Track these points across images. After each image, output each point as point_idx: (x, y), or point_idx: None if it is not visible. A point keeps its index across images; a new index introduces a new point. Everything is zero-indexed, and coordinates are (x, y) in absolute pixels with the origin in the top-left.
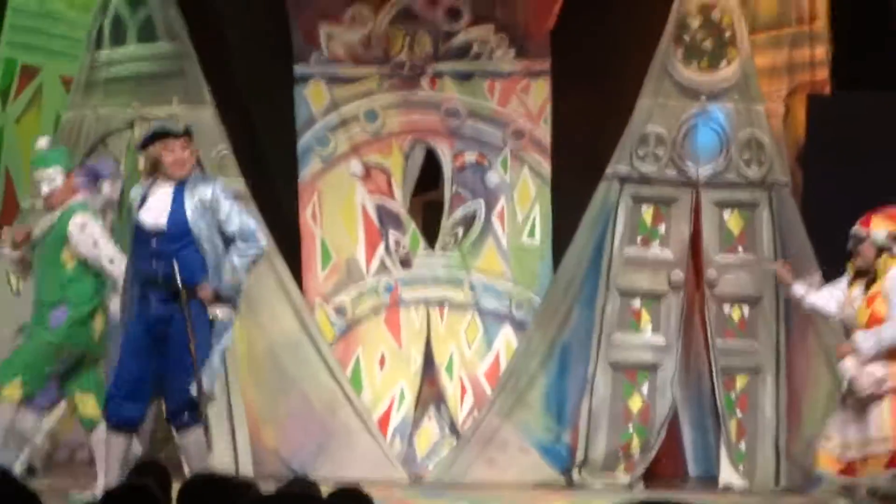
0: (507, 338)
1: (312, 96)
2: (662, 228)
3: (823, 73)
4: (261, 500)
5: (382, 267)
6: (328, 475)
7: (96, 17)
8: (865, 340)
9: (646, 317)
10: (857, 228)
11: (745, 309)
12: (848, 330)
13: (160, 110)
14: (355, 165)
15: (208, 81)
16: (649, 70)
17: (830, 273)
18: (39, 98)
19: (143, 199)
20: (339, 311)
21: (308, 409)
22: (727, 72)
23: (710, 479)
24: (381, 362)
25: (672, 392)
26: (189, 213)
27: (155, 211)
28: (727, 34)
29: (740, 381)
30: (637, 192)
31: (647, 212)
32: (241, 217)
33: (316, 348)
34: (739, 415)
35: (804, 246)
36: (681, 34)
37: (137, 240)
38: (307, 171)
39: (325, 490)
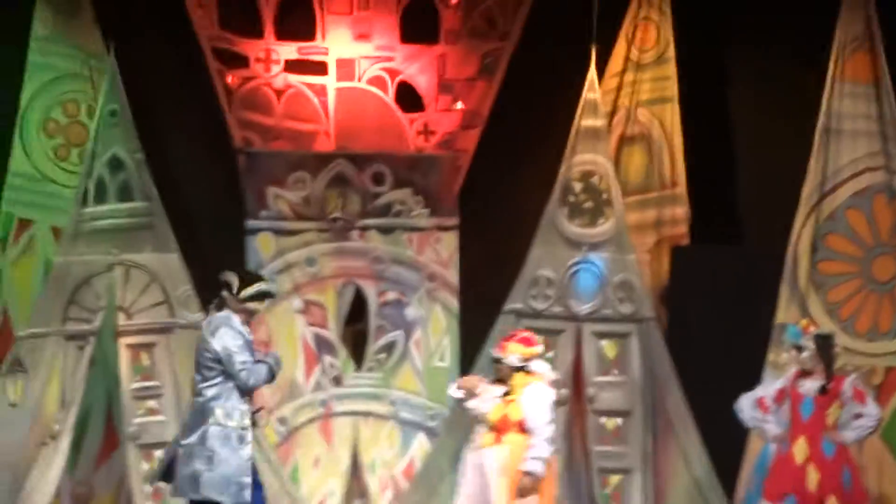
0: (421, 443)
1: (262, 245)
2: (550, 354)
3: (683, 229)
4: None
5: (318, 385)
6: None
7: (82, 179)
8: (534, 465)
9: None
10: (495, 352)
11: (619, 420)
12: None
13: (135, 257)
14: (297, 302)
15: (175, 234)
16: (540, 224)
17: (687, 389)
18: (33, 245)
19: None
20: (282, 421)
21: None
22: (604, 227)
23: None
24: (316, 463)
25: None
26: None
27: None
28: (604, 196)
29: (614, 480)
30: (530, 324)
31: (539, 341)
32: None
33: (263, 453)
34: None
35: (667, 369)
36: (566, 196)
37: None
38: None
39: None
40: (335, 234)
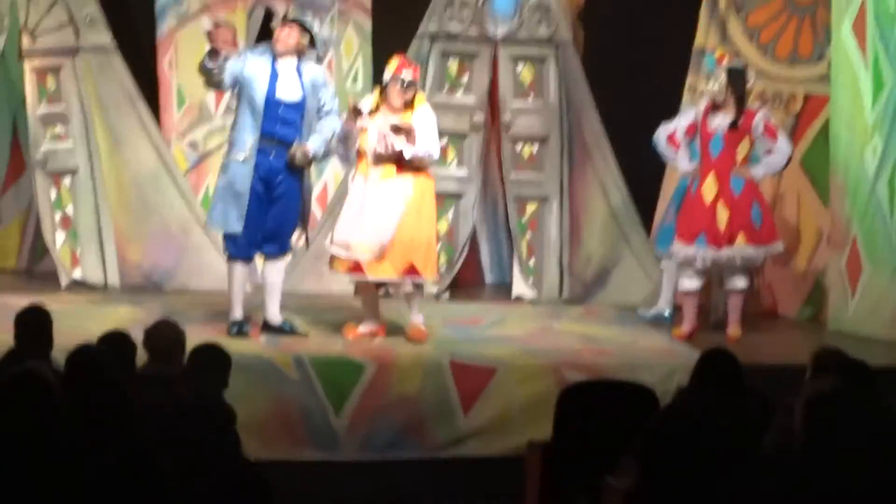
0: (334, 169)
1: None
2: (465, 78)
3: None
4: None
5: (229, 108)
6: (183, 287)
7: None
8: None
9: (451, 153)
10: (408, 74)
11: (535, 147)
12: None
13: None
14: (206, 22)
15: None
16: None
17: (607, 113)
18: None
19: (273, 69)
20: (192, 145)
21: (166, 230)
22: None
23: (502, 286)
24: None
25: (472, 216)
26: (307, 89)
27: (286, 83)
28: None
29: (530, 208)
30: (445, 48)
31: (453, 64)
32: (335, 101)
33: (172, 178)
34: (529, 236)
35: (584, 94)
36: None
37: (268, 103)
38: (164, 27)
39: (183, 301)
40: None
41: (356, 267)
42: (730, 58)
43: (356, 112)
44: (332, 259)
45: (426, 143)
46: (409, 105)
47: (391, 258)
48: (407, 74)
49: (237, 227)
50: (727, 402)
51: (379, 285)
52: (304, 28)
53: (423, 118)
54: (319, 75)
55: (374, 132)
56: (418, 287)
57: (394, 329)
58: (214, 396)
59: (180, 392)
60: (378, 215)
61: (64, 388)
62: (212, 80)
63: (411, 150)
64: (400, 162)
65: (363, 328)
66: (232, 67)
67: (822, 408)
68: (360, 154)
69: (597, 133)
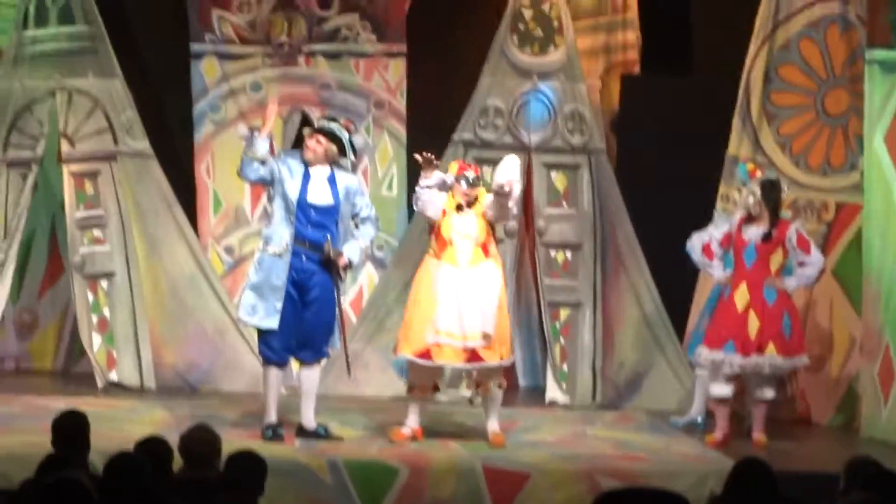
0: (369, 274)
1: (206, 70)
2: None
3: (634, 55)
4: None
5: (265, 213)
6: (217, 389)
7: (21, 1)
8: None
9: None
10: (470, 172)
11: (568, 253)
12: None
13: (77, 82)
14: (242, 129)
15: (118, 58)
16: (489, 53)
17: (640, 221)
18: None
19: (305, 173)
20: (228, 250)
21: (202, 333)
22: (555, 56)
23: (536, 390)
24: None
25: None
26: (341, 196)
27: (318, 188)
28: (555, 23)
29: (564, 313)
30: (479, 155)
31: (488, 172)
32: (371, 209)
33: (208, 282)
34: (563, 341)
35: (617, 202)
36: (516, 23)
37: (300, 205)
38: (202, 133)
39: (217, 404)
40: (281, 59)
41: (425, 354)
42: (762, 170)
43: (428, 163)
44: (406, 344)
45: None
46: (471, 205)
47: (496, 345)
48: (470, 173)
49: (274, 321)
50: None
51: (435, 388)
52: (333, 137)
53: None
54: (354, 183)
55: (464, 220)
56: (501, 389)
57: (428, 432)
58: None
59: (217, 500)
60: (478, 302)
61: (101, 495)
62: (254, 154)
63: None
64: (486, 246)
65: (406, 430)
66: (271, 160)
67: None
68: (440, 241)
69: (630, 240)
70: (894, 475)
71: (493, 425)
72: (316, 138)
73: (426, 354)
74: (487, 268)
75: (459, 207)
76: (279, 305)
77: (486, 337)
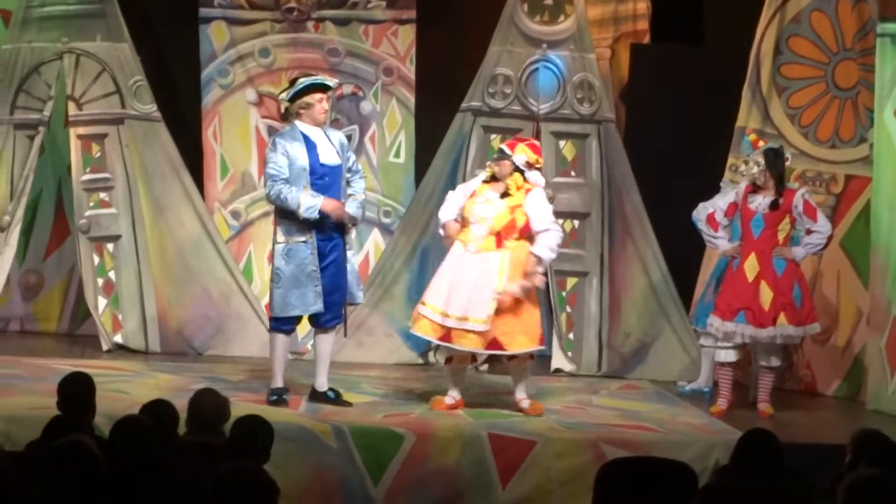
0: (375, 241)
1: (215, 35)
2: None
3: (644, 25)
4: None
5: None
6: (223, 353)
7: None
8: (545, 252)
9: None
10: (504, 146)
11: (576, 222)
12: (466, 219)
13: (85, 45)
14: (250, 94)
15: (126, 21)
16: (499, 21)
17: (646, 192)
18: None
19: (307, 140)
20: (235, 214)
21: (207, 297)
22: (564, 24)
23: (542, 358)
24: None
25: None
26: (341, 152)
27: (324, 150)
28: None
29: (570, 282)
30: (487, 123)
31: (496, 140)
32: (356, 161)
33: (214, 246)
34: (569, 310)
35: (626, 171)
36: None
37: (313, 170)
38: (209, 98)
39: (222, 368)
40: (290, 24)
41: (446, 336)
42: (765, 140)
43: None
44: (424, 323)
45: (549, 237)
46: (505, 193)
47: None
48: (505, 147)
49: (319, 305)
50: (767, 482)
51: (473, 357)
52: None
53: (535, 202)
54: (342, 137)
55: (482, 208)
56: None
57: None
58: (257, 470)
59: (223, 464)
60: (471, 287)
61: (107, 458)
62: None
63: (546, 258)
64: (501, 236)
65: (449, 399)
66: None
67: (863, 493)
68: (464, 220)
69: (637, 210)
70: None
71: (520, 394)
72: (325, 99)
73: (446, 337)
74: (492, 258)
75: (494, 178)
76: (319, 288)
77: (463, 320)
